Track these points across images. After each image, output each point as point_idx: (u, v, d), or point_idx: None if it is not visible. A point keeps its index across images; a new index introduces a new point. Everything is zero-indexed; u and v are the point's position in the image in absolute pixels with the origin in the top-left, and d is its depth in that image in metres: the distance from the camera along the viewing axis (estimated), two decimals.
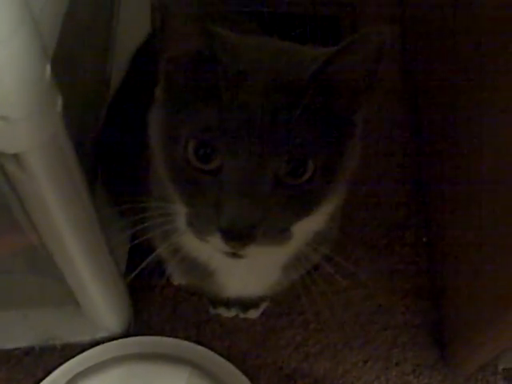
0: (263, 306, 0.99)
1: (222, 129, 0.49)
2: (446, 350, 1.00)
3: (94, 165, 0.96)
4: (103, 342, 0.95)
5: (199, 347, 0.96)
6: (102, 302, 0.87)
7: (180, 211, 0.57)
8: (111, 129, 0.87)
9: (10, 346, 0.95)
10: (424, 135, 1.15)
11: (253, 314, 0.99)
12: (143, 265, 0.61)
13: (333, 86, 0.52)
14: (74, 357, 0.94)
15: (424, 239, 1.09)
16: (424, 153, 1.14)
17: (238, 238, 0.50)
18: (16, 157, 0.54)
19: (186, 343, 0.97)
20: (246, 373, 0.95)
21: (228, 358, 0.96)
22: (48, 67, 0.50)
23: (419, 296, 1.04)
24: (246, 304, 0.98)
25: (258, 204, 0.50)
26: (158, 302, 1.00)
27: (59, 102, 0.53)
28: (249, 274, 0.70)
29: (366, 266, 1.05)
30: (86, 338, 0.96)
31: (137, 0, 1.16)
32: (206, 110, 0.50)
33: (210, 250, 0.64)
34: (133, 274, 0.66)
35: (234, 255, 0.54)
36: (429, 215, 1.10)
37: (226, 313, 0.99)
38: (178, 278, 0.98)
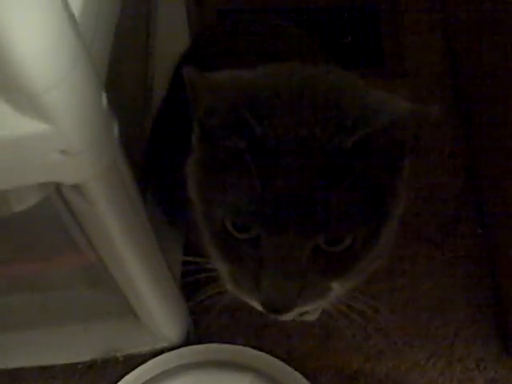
0: (320, 308, 0.98)
1: (258, 208, 0.48)
2: (510, 343, 0.98)
3: (144, 175, 0.96)
4: (163, 352, 0.96)
5: (259, 353, 0.96)
6: (160, 313, 0.88)
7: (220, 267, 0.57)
8: (157, 143, 0.87)
9: (72, 360, 0.96)
10: (475, 124, 1.12)
11: (310, 316, 0.98)
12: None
13: (373, 155, 0.49)
14: (136, 368, 0.95)
15: (479, 231, 1.06)
16: (476, 142, 1.11)
17: (277, 310, 0.52)
18: (76, 186, 0.54)
19: (246, 349, 0.96)
20: (306, 376, 0.94)
21: (288, 362, 0.95)
22: (104, 96, 0.50)
23: (479, 289, 1.02)
24: None
25: (296, 279, 0.50)
26: (215, 309, 1.00)
27: (116, 128, 0.53)
28: None
29: (423, 261, 1.03)
30: (147, 348, 0.96)
31: (174, 5, 1.16)
32: (240, 186, 0.49)
33: None
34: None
35: None
36: (483, 206, 1.07)
37: (284, 316, 0.98)
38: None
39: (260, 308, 0.53)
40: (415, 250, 1.04)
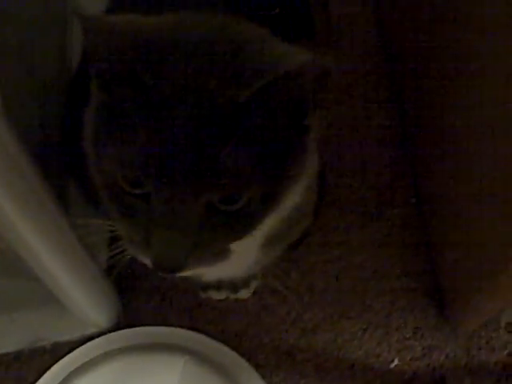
0: (254, 284, 0.96)
1: (145, 161, 0.46)
2: (445, 311, 0.97)
3: (65, 159, 0.91)
4: (93, 338, 0.93)
5: (193, 333, 0.94)
6: (85, 300, 0.84)
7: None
8: (71, 116, 0.83)
9: None
10: (405, 94, 1.11)
11: (244, 293, 0.96)
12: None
13: (270, 109, 0.47)
14: (64, 356, 0.91)
15: (413, 200, 1.05)
16: (405, 111, 1.10)
17: (168, 269, 0.49)
18: None
19: (178, 330, 0.94)
20: (242, 354, 0.92)
21: (223, 341, 0.93)
22: None
23: (414, 258, 1.01)
24: (235, 284, 0.95)
25: (187, 236, 0.48)
26: (145, 291, 0.97)
27: None
28: None
29: (357, 233, 1.02)
30: (76, 335, 0.93)
31: None
32: (129, 139, 0.46)
33: None
34: None
35: None
36: (415, 175, 1.06)
37: (217, 295, 0.96)
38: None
39: (152, 267, 0.51)
40: (349, 220, 1.02)
